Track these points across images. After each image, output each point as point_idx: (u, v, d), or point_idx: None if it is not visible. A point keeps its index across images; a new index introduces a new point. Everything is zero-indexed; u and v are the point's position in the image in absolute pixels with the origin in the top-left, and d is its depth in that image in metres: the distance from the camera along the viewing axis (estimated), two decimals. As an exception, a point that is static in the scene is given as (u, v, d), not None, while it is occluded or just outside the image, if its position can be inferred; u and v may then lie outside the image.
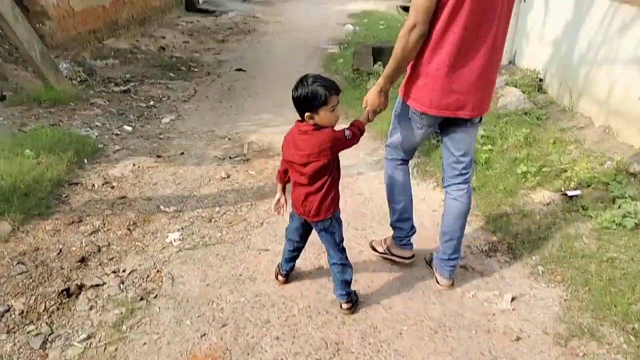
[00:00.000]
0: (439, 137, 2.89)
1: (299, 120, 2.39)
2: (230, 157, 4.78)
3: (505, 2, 2.30)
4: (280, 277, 2.98)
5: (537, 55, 6.06)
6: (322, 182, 2.41)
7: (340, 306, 2.77)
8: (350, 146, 2.43)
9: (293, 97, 2.31)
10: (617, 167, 3.83)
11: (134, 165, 4.46)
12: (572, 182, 3.72)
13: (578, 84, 4.97)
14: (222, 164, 4.63)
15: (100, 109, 5.95)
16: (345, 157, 2.87)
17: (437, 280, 2.96)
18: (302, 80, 2.30)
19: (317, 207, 2.46)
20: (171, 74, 8.21)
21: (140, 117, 5.92)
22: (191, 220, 3.66)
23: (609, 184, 3.63)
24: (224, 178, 4.34)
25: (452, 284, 2.94)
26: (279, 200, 2.70)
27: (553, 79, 5.60)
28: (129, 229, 3.52)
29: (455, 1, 2.19)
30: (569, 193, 3.57)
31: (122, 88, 7.06)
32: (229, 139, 5.30)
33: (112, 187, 4.07)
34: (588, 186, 3.67)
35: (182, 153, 4.82)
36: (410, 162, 2.94)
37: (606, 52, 4.46)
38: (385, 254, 3.13)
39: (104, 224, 3.54)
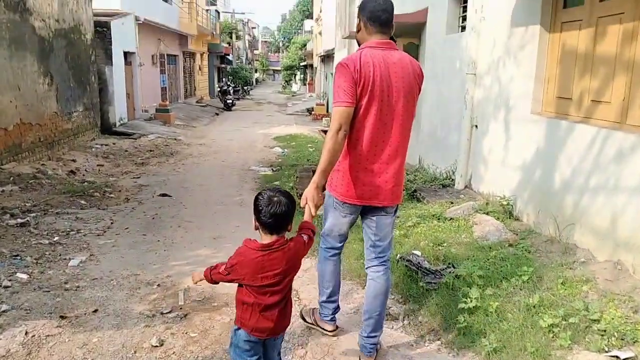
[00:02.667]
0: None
1: (256, 242, 2.24)
2: (162, 313, 3.64)
3: (405, 115, 2.78)
4: None
5: (501, 181, 5.62)
6: (290, 288, 2.36)
7: None
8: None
9: (277, 214, 2.19)
10: (651, 311, 3.15)
11: (26, 334, 3.19)
12: (612, 337, 2.97)
13: (564, 213, 4.45)
14: (151, 323, 3.48)
15: (-14, 251, 4.66)
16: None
17: (359, 358, 3.09)
18: (273, 197, 2.22)
19: (289, 314, 2.40)
20: (82, 202, 7.04)
21: (40, 259, 4.67)
22: None
23: (653, 335, 2.91)
24: (155, 347, 3.17)
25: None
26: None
27: (527, 205, 5.10)
28: None
29: (363, 111, 2.70)
30: (621, 355, 2.79)
31: (20, 220, 5.79)
32: (159, 285, 4.18)
33: (-10, 373, 2.80)
34: (634, 342, 2.92)
35: (96, 311, 3.62)
36: (341, 254, 3.27)
37: (601, 179, 3.99)
38: (313, 324, 3.43)
39: None
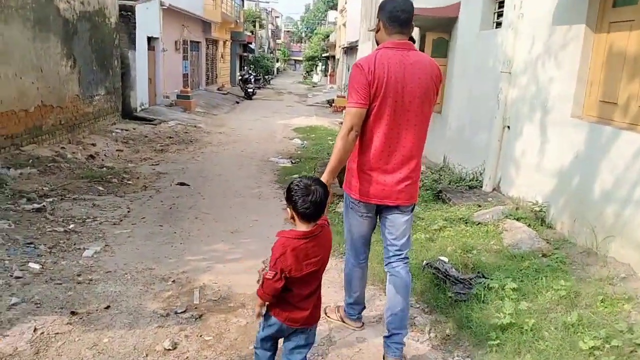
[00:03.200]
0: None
1: (295, 231, 2.27)
2: (176, 313, 3.47)
3: (420, 117, 2.79)
4: None
5: (534, 185, 5.36)
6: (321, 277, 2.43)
7: None
8: None
9: (316, 202, 2.24)
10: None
11: (35, 331, 3.05)
12: (661, 365, 2.74)
13: (603, 223, 4.19)
14: (165, 324, 3.32)
15: (0, 236, 4.55)
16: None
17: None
18: (309, 185, 2.26)
19: (320, 305, 2.46)
20: (100, 188, 6.92)
21: (54, 247, 4.54)
22: None
23: None
24: (168, 350, 3.01)
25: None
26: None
27: (562, 213, 4.83)
28: None
29: (376, 112, 2.71)
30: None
31: (36, 205, 5.69)
32: (174, 281, 4.02)
33: (-5, 372, 2.67)
34: (687, 371, 2.69)
35: (108, 307, 3.47)
36: (368, 262, 3.28)
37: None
38: (339, 321, 3.44)
39: None
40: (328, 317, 3.49)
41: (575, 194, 4.66)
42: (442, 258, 4.12)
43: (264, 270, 4.18)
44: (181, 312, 3.49)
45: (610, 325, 3.17)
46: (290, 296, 2.29)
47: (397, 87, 2.67)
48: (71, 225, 5.23)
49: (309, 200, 2.22)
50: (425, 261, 4.08)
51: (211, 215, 5.98)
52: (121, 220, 5.55)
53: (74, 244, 4.72)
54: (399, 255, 3.00)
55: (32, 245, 4.49)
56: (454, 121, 8.11)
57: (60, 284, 3.79)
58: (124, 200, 6.38)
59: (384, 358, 3.02)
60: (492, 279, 3.68)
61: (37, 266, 4.03)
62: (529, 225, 4.85)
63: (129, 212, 5.90)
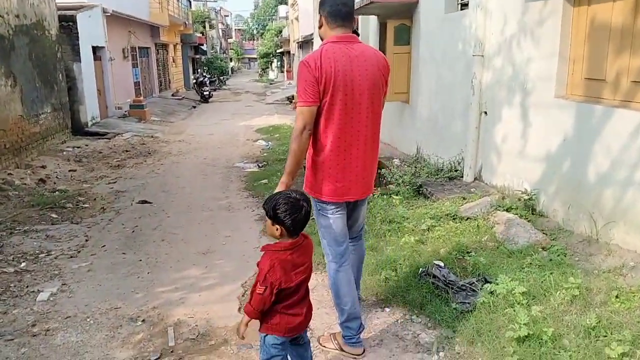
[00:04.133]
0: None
1: (281, 243, 2.31)
2: (149, 361, 3.03)
3: (371, 108, 2.77)
4: None
5: (519, 172, 5.09)
6: None
7: None
8: None
9: (305, 217, 2.29)
10: None
11: (-21, 408, 2.58)
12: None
13: (602, 209, 3.93)
14: (138, 377, 2.87)
15: (-63, 287, 3.98)
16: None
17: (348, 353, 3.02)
18: (298, 202, 2.28)
19: (311, 307, 2.52)
20: (53, 215, 6.34)
21: (4, 293, 4.00)
22: None
23: None
24: (145, 412, 2.57)
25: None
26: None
27: (553, 200, 4.57)
28: None
29: (327, 109, 2.67)
30: None
31: (-19, 244, 5.09)
32: (143, 320, 3.55)
33: None
34: None
35: (70, 364, 3.00)
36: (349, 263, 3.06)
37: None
38: (337, 350, 3.10)
39: None
40: (324, 346, 3.13)
41: (567, 179, 4.39)
42: (437, 262, 3.79)
43: (244, 296, 3.76)
44: (156, 359, 3.04)
45: (633, 324, 2.89)
46: (283, 307, 2.31)
47: (346, 81, 2.65)
48: (23, 264, 4.68)
49: (300, 217, 2.26)
50: (420, 269, 3.73)
51: (179, 235, 5.50)
52: (79, 252, 5.02)
53: (27, 287, 4.19)
54: (360, 234, 3.19)
55: (-24, 294, 3.95)
56: (425, 110, 7.81)
57: (12, 339, 3.29)
58: (81, 228, 5.83)
59: (341, 349, 3.05)
60: (497, 283, 3.35)
61: (-18, 321, 3.51)
62: (520, 215, 4.57)
63: (87, 240, 5.37)
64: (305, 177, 2.93)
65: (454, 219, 4.84)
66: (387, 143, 9.64)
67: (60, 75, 12.21)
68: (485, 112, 5.77)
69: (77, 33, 13.28)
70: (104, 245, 5.20)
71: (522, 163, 5.04)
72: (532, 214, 4.71)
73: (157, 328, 3.45)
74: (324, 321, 3.44)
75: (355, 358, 3.03)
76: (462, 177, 6.15)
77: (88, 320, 3.56)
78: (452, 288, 3.39)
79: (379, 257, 4.08)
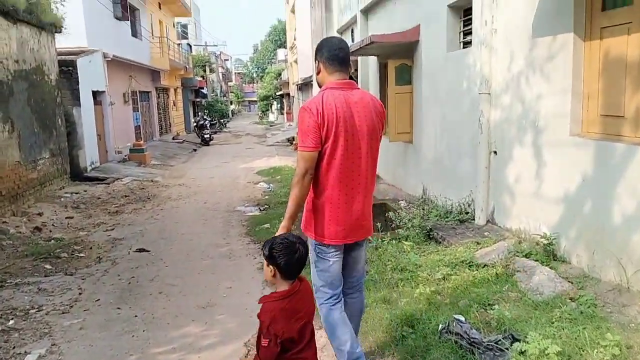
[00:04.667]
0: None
1: (275, 293, 2.32)
2: None
3: (370, 153, 2.82)
4: None
5: (536, 215, 4.85)
6: None
7: None
8: None
9: (302, 260, 2.33)
10: None
11: None
12: None
13: (632, 255, 3.67)
14: None
15: None
16: None
17: None
18: (294, 244, 2.32)
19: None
20: (47, 266, 6.06)
21: (-14, 358, 3.70)
22: None
23: None
24: None
25: None
26: None
27: (576, 245, 4.30)
28: None
29: (329, 154, 2.71)
30: None
31: (-32, 300, 4.81)
32: (138, 387, 3.24)
33: None
34: None
35: None
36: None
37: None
38: None
39: None
40: None
41: (590, 222, 4.14)
42: (457, 317, 3.48)
43: (247, 357, 3.47)
44: None
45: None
46: (293, 354, 2.29)
47: (346, 126, 2.70)
48: (11, 322, 4.39)
49: (293, 258, 2.27)
50: (440, 325, 3.43)
51: (177, 286, 5.20)
52: (71, 307, 4.73)
53: (14, 348, 3.89)
54: (360, 284, 3.10)
55: (-42, 360, 3.65)
56: (429, 150, 7.62)
57: (-9, 413, 2.98)
58: (75, 279, 5.54)
59: None
60: (527, 342, 3.05)
61: (-41, 392, 3.20)
62: (541, 262, 4.29)
63: (80, 294, 5.08)
64: (304, 218, 2.93)
65: (470, 266, 4.56)
66: (390, 184, 9.43)
67: (60, 120, 12.11)
68: (495, 152, 5.57)
69: (77, 78, 13.27)
70: (98, 299, 4.90)
71: (539, 205, 4.80)
72: (554, 259, 4.43)
73: (152, 396, 3.13)
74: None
75: None
76: (474, 219, 5.89)
77: (77, 388, 3.25)
78: (478, 348, 3.09)
79: (393, 311, 3.77)
